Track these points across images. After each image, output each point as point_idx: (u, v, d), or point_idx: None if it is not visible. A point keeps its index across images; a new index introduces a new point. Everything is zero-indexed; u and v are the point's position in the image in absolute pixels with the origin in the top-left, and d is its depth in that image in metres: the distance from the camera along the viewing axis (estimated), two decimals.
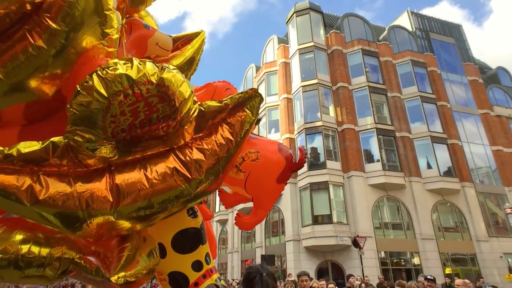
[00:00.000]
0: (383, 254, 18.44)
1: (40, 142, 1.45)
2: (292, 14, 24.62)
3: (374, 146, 20.35)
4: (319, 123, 20.56)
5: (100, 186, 1.50)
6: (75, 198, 1.45)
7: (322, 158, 19.95)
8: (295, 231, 19.34)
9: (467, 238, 19.45)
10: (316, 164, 20.05)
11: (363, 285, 7.30)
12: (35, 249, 1.53)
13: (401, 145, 20.63)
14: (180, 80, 1.55)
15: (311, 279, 8.96)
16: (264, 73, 25.81)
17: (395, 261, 18.68)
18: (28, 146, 1.42)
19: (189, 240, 1.94)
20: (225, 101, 1.68)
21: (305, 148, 2.26)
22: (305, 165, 19.69)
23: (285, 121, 22.68)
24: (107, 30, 1.81)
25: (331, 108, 21.84)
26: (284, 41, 26.13)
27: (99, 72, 1.44)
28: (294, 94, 22.94)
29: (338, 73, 22.27)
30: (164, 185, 1.56)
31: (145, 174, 1.54)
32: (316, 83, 21.58)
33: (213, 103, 1.67)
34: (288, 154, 2.50)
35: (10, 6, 1.54)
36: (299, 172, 20.38)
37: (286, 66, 24.25)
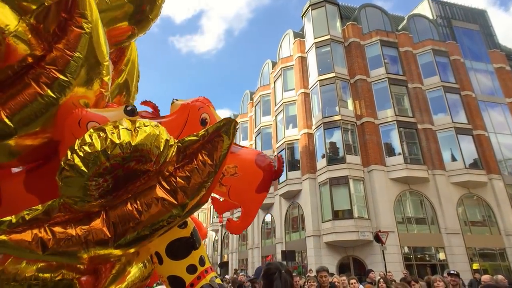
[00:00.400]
0: (406, 249, 18.04)
1: (40, 206, 1.69)
2: (308, 8, 24.29)
3: (395, 139, 19.86)
4: (337, 117, 20.26)
5: (98, 225, 1.72)
6: (78, 240, 1.68)
7: (341, 153, 19.66)
8: (315, 227, 19.22)
9: (496, 232, 18.70)
10: (335, 159, 19.79)
11: (381, 280, 7.16)
12: (40, 275, 1.83)
13: (424, 137, 20.01)
14: (153, 136, 1.71)
15: (331, 274, 8.92)
16: (281, 68, 25.63)
17: (419, 256, 18.22)
18: (31, 213, 1.66)
19: (182, 247, 2.17)
20: (201, 134, 1.86)
21: (283, 157, 2.25)
22: (324, 159, 19.56)
23: (303, 116, 22.48)
24: (104, 78, 2.08)
25: (350, 102, 21.46)
26: (300, 35, 25.85)
27: (77, 150, 1.62)
28: (311, 89, 22.69)
29: (356, 66, 21.82)
30: (154, 213, 1.76)
31: (135, 208, 1.75)
32: (334, 77, 21.25)
33: (190, 138, 1.86)
34: (265, 165, 2.54)
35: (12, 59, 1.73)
36: (318, 167, 20.23)
37: (303, 60, 23.99)
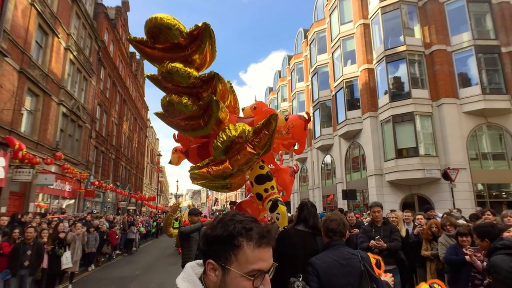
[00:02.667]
0: (480, 187, 16.90)
1: (206, 160, 3.51)
2: None
3: (471, 67, 17.51)
4: (402, 48, 18.36)
5: (227, 165, 3.37)
6: (221, 171, 3.37)
7: (406, 88, 18.13)
8: (377, 166, 18.80)
9: None
10: (399, 94, 18.38)
11: (444, 215, 6.84)
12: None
13: (508, 62, 17.26)
14: (244, 129, 3.29)
15: (393, 210, 8.87)
16: None
17: (494, 193, 16.97)
18: (204, 162, 3.48)
19: (262, 178, 3.69)
20: (262, 122, 3.38)
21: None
22: (387, 96, 18.36)
23: (362, 50, 20.80)
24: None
25: (417, 29, 19.10)
26: None
27: (222, 133, 3.25)
28: (371, 18, 20.55)
29: None
30: (246, 158, 3.38)
31: (238, 157, 3.37)
32: (398, 1, 18.84)
33: (259, 124, 3.38)
34: (303, 118, 4.11)
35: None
36: (380, 104, 19.12)
37: None
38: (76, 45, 17.83)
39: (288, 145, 4.24)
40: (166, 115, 3.49)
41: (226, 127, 3.25)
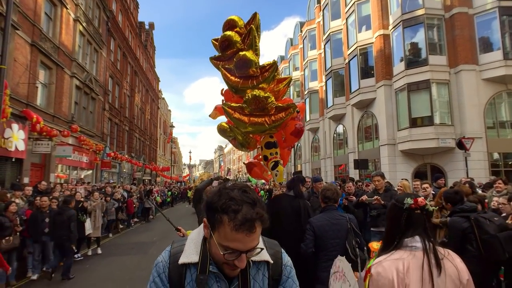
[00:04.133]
0: (495, 156, 16.62)
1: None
2: None
3: (494, 31, 16.59)
4: (420, 12, 17.47)
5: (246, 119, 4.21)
6: (260, 122, 4.22)
7: (423, 54, 17.44)
8: (390, 135, 18.60)
9: None
10: (415, 61, 17.74)
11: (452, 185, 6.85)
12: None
13: None
14: (273, 101, 4.13)
15: (405, 179, 8.86)
16: None
17: (510, 163, 16.70)
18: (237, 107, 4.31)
19: (269, 145, 4.60)
20: (284, 105, 4.25)
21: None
22: (402, 63, 17.78)
23: (378, 15, 19.89)
24: None
25: None
26: None
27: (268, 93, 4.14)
28: None
29: None
30: (261, 123, 4.16)
31: (262, 119, 4.19)
32: None
33: (281, 105, 4.22)
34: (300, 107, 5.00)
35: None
36: (395, 72, 18.58)
37: None
38: (85, 16, 17.64)
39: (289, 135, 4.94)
40: (231, 68, 4.23)
41: (266, 91, 4.12)
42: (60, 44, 14.80)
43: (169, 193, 25.63)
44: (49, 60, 13.80)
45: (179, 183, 44.04)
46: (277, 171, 4.54)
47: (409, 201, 1.67)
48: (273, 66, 4.07)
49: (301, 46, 35.09)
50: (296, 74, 36.56)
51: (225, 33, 4.18)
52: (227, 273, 1.12)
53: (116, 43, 24.34)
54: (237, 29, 4.28)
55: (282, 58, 44.99)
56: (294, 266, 1.42)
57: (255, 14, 4.24)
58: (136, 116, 31.10)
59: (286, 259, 1.29)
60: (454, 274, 1.53)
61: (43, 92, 13.90)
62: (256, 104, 4.04)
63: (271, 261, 1.20)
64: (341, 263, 1.87)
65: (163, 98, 52.38)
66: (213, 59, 4.52)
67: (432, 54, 17.18)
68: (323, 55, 28.63)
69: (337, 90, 25.02)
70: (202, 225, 1.20)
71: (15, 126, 10.89)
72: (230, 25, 4.32)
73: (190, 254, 1.16)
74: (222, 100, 5.01)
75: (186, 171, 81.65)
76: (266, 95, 4.01)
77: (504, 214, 4.35)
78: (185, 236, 3.89)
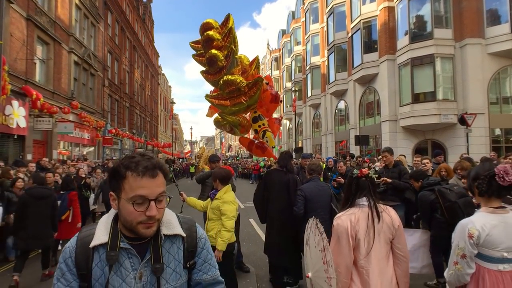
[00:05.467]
0: (497, 132, 16.59)
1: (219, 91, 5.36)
2: None
3: (503, 3, 16.00)
4: None
5: (241, 99, 5.04)
6: (239, 105, 5.14)
7: (428, 27, 16.98)
8: (391, 111, 18.50)
9: None
10: (420, 35, 17.31)
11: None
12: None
13: None
14: (242, 81, 5.00)
15: (403, 156, 8.91)
16: None
17: (511, 139, 16.69)
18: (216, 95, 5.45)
19: (256, 119, 5.43)
20: (254, 80, 4.95)
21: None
22: (407, 37, 17.39)
23: None
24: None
25: None
26: None
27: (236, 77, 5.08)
28: None
29: None
30: (240, 102, 5.03)
31: (236, 101, 5.07)
32: None
33: (250, 81, 4.97)
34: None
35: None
36: (399, 46, 18.19)
37: None
38: None
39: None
40: (207, 69, 5.29)
41: (233, 75, 4.97)
42: (57, 18, 14.46)
43: (171, 168, 25.87)
44: (46, 35, 13.53)
45: (180, 160, 44.37)
46: (266, 137, 5.37)
47: (356, 171, 2.36)
48: (231, 52, 4.92)
49: (303, 19, 34.16)
50: (297, 49, 35.84)
51: (207, 32, 5.04)
52: (143, 234, 1.12)
53: (114, 17, 23.74)
54: (214, 30, 5.12)
55: (283, 32, 43.93)
56: (283, 227, 3.69)
57: (228, 15, 5.15)
58: (136, 92, 30.86)
59: (201, 232, 1.33)
60: (389, 222, 2.20)
61: (41, 68, 13.74)
62: (228, 87, 4.90)
63: (184, 234, 1.24)
64: (312, 221, 2.41)
65: (163, 74, 51.73)
66: (195, 56, 5.48)
67: (438, 28, 16.73)
68: (325, 28, 27.93)
69: (339, 65, 24.61)
70: (111, 210, 1.23)
71: (15, 103, 10.87)
72: (206, 27, 5.15)
73: (100, 236, 1.16)
74: (211, 106, 5.91)
75: (187, 148, 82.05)
76: (234, 77, 4.87)
77: None
78: (185, 201, 4.02)
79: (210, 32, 4.97)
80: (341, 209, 2.38)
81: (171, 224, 1.23)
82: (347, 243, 2.17)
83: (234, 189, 4.77)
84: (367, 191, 2.28)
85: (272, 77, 46.47)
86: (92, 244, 1.14)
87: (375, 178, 2.43)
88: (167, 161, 24.70)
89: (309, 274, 2.38)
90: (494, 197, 2.03)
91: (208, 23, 5.11)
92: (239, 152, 69.12)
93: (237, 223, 5.02)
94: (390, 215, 2.24)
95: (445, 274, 2.23)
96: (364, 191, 2.28)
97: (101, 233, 1.17)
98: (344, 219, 2.22)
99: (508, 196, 3.66)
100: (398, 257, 2.22)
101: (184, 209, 4.35)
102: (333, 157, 14.19)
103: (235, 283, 3.90)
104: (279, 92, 43.71)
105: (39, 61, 13.49)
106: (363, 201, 2.26)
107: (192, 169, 27.94)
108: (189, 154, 55.70)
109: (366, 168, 2.35)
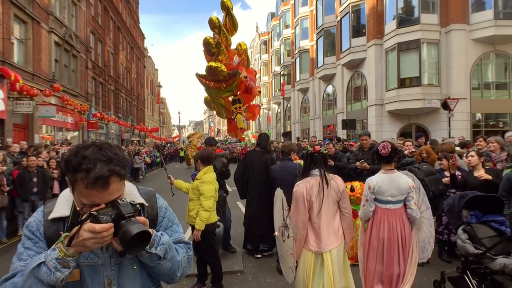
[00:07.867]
0: (478, 116, 17.00)
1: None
2: None
3: None
4: None
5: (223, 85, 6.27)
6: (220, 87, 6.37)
7: (416, 12, 17.00)
8: (378, 96, 18.68)
9: None
10: (407, 20, 17.33)
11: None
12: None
13: None
14: (222, 69, 6.01)
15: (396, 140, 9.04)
16: None
17: (491, 123, 17.15)
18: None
19: (235, 101, 6.53)
20: (232, 72, 6.13)
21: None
22: (394, 22, 17.38)
23: None
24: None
25: None
26: None
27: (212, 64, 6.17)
28: None
29: None
30: (220, 87, 6.36)
31: (220, 84, 6.27)
32: None
33: (230, 72, 6.14)
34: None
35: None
36: (386, 31, 18.20)
37: None
38: None
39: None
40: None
41: (217, 63, 5.93)
42: None
43: (158, 153, 25.69)
44: (23, 13, 12.98)
45: (168, 144, 44.01)
46: (237, 119, 6.28)
47: (309, 148, 3.23)
48: (218, 45, 6.01)
49: (292, 2, 33.66)
50: (287, 32, 35.45)
51: (210, 63, 6.00)
52: None
53: None
54: (212, 36, 6.41)
55: (273, 15, 43.27)
56: (262, 201, 4.87)
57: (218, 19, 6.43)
58: (122, 75, 30.15)
59: (161, 202, 1.38)
60: (335, 187, 2.94)
61: (20, 48, 13.24)
62: (211, 72, 5.74)
63: (146, 203, 1.28)
64: (277, 192, 3.15)
65: (149, 57, 50.55)
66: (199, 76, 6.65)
67: (425, 13, 16.77)
68: (314, 12, 27.62)
69: (328, 50, 24.52)
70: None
71: None
72: (212, 25, 6.41)
73: (62, 209, 1.17)
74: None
75: (175, 132, 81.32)
76: (217, 65, 5.72)
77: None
78: (173, 184, 3.90)
79: (214, 64, 5.99)
80: (301, 178, 3.09)
81: (132, 194, 1.26)
82: (303, 204, 2.89)
83: (228, 176, 5.29)
84: (319, 164, 3.00)
85: (261, 61, 45.48)
86: (51, 216, 1.15)
87: (326, 154, 3.17)
88: (157, 147, 24.55)
89: (276, 233, 3.13)
90: (384, 163, 3.20)
91: (211, 21, 6.35)
92: (227, 137, 68.98)
93: (224, 205, 5.08)
94: (336, 182, 2.98)
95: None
96: (317, 164, 3.01)
97: (63, 206, 1.18)
98: (301, 186, 2.95)
99: (413, 167, 4.72)
100: (344, 214, 2.98)
101: (174, 191, 4.41)
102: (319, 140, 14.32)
103: (218, 263, 3.98)
104: (268, 77, 43.45)
105: (17, 41, 12.97)
106: (316, 172, 2.99)
107: (182, 153, 27.81)
108: (177, 139, 55.26)
109: (318, 146, 3.15)
